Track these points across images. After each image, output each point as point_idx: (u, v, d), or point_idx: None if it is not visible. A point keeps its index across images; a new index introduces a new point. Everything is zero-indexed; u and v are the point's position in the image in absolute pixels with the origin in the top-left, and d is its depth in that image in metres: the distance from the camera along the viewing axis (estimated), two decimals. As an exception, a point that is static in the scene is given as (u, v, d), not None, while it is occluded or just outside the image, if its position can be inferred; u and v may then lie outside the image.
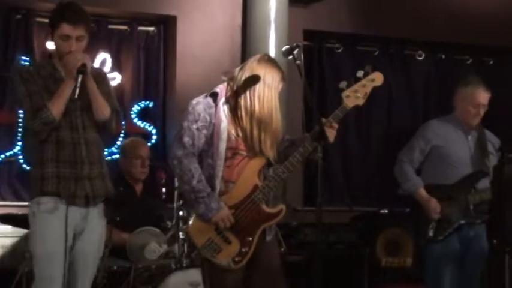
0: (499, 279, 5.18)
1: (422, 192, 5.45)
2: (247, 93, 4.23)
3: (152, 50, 7.93)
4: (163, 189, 6.16)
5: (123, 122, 7.39)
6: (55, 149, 4.28)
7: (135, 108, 7.71)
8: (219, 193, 4.21)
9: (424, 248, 5.54)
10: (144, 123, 7.73)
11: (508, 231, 4.99)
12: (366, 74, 4.33)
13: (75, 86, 4.17)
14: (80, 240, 4.36)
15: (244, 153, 4.27)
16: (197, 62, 7.73)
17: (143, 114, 7.76)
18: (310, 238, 6.82)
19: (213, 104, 4.26)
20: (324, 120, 4.20)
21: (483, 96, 5.52)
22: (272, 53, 7.14)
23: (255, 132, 4.23)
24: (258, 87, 4.22)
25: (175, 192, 5.81)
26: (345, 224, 7.47)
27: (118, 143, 7.43)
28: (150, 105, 7.81)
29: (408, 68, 9.06)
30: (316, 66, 8.64)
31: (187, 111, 4.26)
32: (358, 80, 4.32)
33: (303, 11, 8.11)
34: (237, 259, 4.21)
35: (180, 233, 5.66)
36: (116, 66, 7.69)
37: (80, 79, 4.16)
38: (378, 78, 4.38)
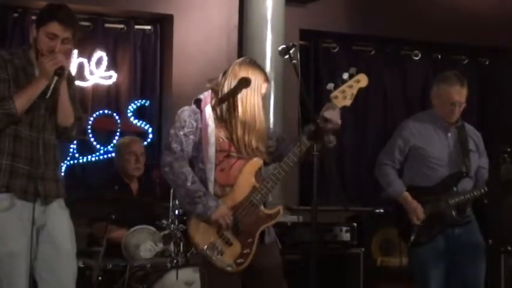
0: (495, 279, 5.20)
1: (407, 196, 5.37)
2: (230, 97, 4.27)
3: (148, 48, 7.93)
4: (159, 188, 6.17)
5: (119, 122, 7.51)
6: (12, 143, 4.18)
7: (131, 106, 7.71)
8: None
9: (409, 251, 5.48)
10: (140, 121, 7.73)
11: (504, 232, 4.99)
12: (351, 76, 4.36)
13: (49, 87, 4.09)
14: (45, 235, 4.23)
15: (236, 154, 4.30)
16: (193, 61, 7.73)
17: (139, 113, 7.76)
18: (306, 237, 6.82)
19: (197, 110, 4.30)
20: (316, 116, 4.23)
21: (458, 93, 5.34)
22: (268, 52, 7.15)
23: (240, 134, 4.27)
24: (241, 92, 4.26)
25: (171, 191, 5.81)
26: (341, 224, 7.47)
27: (114, 142, 7.45)
28: (146, 104, 7.81)
29: (404, 68, 9.08)
30: (312, 65, 8.65)
31: (174, 120, 4.31)
32: (344, 81, 4.34)
33: (300, 10, 8.12)
34: (239, 261, 4.22)
35: (176, 232, 5.66)
36: (112, 64, 7.69)
37: (55, 81, 4.09)
38: (362, 79, 4.39)
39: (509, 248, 5.04)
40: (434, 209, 5.32)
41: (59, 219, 4.31)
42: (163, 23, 7.92)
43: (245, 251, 4.23)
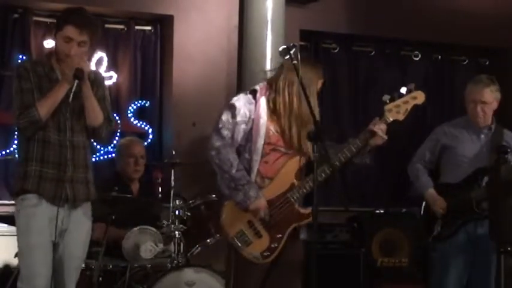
0: (496, 279, 5.22)
1: (431, 191, 5.52)
2: (286, 91, 4.29)
3: (149, 49, 7.92)
4: (160, 189, 6.17)
5: (119, 122, 7.51)
6: (40, 148, 4.27)
7: (132, 107, 7.71)
8: None
9: (431, 247, 5.61)
10: (141, 122, 7.73)
11: (504, 232, 5.00)
12: (408, 91, 4.44)
13: (70, 91, 4.17)
14: (65, 239, 4.35)
15: (283, 149, 4.34)
16: (194, 62, 7.73)
17: (139, 114, 7.76)
18: (306, 238, 6.82)
19: (253, 100, 4.34)
20: (370, 127, 4.41)
21: (479, 93, 5.48)
22: (269, 52, 7.13)
23: (294, 129, 4.31)
24: (297, 86, 4.26)
25: (172, 192, 5.82)
26: (341, 224, 7.47)
27: (114, 142, 7.44)
28: (147, 105, 7.81)
29: (404, 69, 9.06)
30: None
31: (227, 105, 4.35)
32: (401, 95, 4.44)
33: (300, 11, 8.11)
34: (265, 253, 4.28)
35: (176, 232, 5.67)
36: (113, 65, 7.68)
37: (75, 84, 4.17)
38: (420, 96, 4.51)
39: (509, 248, 5.05)
40: (456, 202, 5.42)
41: (79, 227, 4.42)
42: (164, 24, 7.92)
43: (273, 245, 4.28)
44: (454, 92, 8.87)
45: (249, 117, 4.29)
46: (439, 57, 9.18)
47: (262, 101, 4.31)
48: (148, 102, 7.81)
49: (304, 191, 4.31)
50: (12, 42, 7.33)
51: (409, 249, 7.44)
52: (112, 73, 7.65)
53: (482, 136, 5.55)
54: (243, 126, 4.28)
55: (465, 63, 9.24)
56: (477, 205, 5.36)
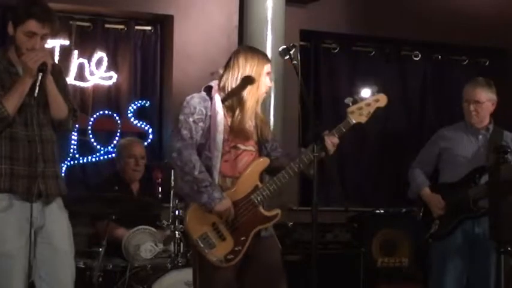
0: (496, 279, 5.22)
1: (426, 190, 5.57)
2: (238, 92, 4.29)
3: (149, 49, 7.93)
4: (160, 189, 6.17)
5: (119, 122, 7.52)
6: (8, 146, 4.16)
7: (132, 107, 7.70)
8: None
9: (429, 246, 5.60)
10: (141, 122, 7.73)
11: (504, 232, 5.01)
12: (372, 94, 4.40)
13: (35, 84, 4.07)
14: (43, 235, 4.21)
15: (243, 146, 4.31)
16: (194, 62, 7.73)
17: (139, 114, 7.76)
18: (306, 238, 6.83)
19: (207, 97, 4.32)
20: (326, 132, 4.32)
21: (471, 92, 5.54)
22: (269, 52, 7.14)
23: (250, 123, 4.31)
24: (248, 84, 4.30)
25: (172, 192, 5.81)
26: (341, 224, 7.47)
27: (114, 142, 7.45)
28: (147, 105, 7.80)
29: (404, 69, 9.07)
30: (313, 66, 8.65)
31: (183, 105, 4.31)
32: (363, 98, 4.41)
33: (300, 11, 8.12)
34: (229, 257, 4.22)
35: (176, 232, 5.67)
36: (113, 65, 7.68)
37: (39, 77, 4.07)
38: (382, 99, 4.49)
39: (509, 248, 5.06)
40: (453, 201, 5.44)
41: (57, 220, 4.29)
42: (164, 24, 7.92)
43: (237, 248, 4.23)
44: (454, 92, 8.87)
45: (206, 114, 4.26)
46: (439, 57, 9.18)
47: (217, 98, 4.29)
48: (148, 102, 7.81)
49: (268, 193, 4.27)
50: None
51: (409, 249, 7.44)
52: (112, 73, 7.65)
53: (480, 137, 5.58)
54: (200, 124, 4.24)
55: (465, 63, 9.25)
56: (473, 203, 5.38)
